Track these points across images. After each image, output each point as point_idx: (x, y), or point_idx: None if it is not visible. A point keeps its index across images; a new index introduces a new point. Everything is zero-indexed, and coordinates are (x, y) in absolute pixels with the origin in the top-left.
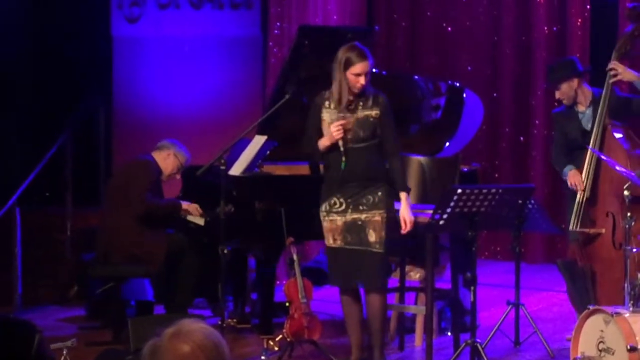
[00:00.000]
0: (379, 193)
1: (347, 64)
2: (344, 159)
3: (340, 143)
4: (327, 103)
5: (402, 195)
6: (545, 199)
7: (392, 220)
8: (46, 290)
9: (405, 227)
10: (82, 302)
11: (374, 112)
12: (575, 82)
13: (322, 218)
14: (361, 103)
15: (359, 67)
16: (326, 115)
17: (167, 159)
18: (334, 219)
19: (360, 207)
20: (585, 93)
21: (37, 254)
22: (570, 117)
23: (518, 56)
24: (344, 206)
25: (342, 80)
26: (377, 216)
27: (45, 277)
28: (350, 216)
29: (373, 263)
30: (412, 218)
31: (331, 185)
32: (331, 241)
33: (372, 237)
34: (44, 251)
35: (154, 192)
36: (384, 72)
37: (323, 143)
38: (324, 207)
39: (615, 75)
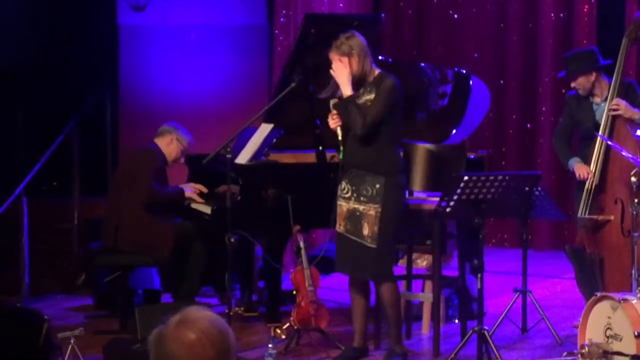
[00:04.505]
0: (377, 186)
1: None
2: (341, 148)
3: (339, 132)
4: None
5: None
6: (552, 186)
7: (401, 211)
8: (53, 279)
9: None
10: (89, 291)
11: (372, 97)
12: (593, 76)
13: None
14: (363, 90)
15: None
16: (331, 104)
17: (170, 145)
18: (340, 204)
19: (361, 198)
20: (602, 86)
21: (44, 243)
22: (584, 107)
23: (525, 43)
24: (349, 193)
25: None
26: (372, 210)
27: (53, 267)
28: (352, 204)
29: (363, 255)
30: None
31: (341, 171)
32: (337, 226)
33: (365, 230)
34: (51, 241)
35: (158, 179)
36: (390, 60)
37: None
38: (338, 192)
39: (615, 110)
